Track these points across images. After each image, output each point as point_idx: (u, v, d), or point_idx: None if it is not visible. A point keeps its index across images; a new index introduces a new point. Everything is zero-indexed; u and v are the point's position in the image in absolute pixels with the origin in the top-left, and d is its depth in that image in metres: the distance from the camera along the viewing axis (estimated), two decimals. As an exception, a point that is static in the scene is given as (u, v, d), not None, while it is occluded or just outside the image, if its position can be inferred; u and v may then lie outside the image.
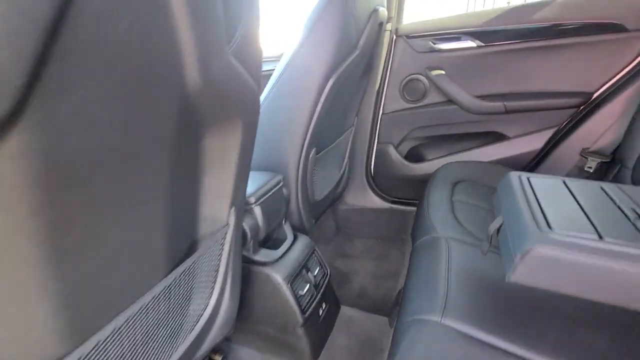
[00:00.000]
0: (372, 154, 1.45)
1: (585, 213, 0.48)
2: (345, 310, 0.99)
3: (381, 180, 1.47)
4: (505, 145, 1.23)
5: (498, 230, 0.57)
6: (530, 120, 1.18)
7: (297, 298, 0.74)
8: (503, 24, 1.13)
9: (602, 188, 0.56)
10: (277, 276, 0.72)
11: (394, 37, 1.26)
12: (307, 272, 0.80)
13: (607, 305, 0.42)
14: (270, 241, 0.83)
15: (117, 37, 0.21)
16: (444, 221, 0.83)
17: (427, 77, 1.26)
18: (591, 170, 1.06)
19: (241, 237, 0.59)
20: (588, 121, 1.09)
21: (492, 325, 0.50)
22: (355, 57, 0.83)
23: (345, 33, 0.74)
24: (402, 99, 1.33)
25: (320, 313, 0.82)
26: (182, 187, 0.44)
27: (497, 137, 1.25)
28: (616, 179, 0.96)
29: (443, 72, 1.23)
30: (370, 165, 1.47)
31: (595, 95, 1.09)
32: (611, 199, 0.52)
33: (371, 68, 1.14)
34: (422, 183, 1.26)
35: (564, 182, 0.58)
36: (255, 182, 0.74)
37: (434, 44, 1.22)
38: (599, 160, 1.05)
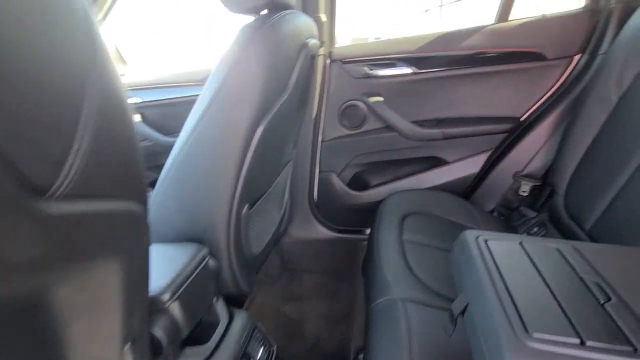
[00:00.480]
0: (314, 184, 1.35)
1: (554, 295, 0.44)
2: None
3: (326, 209, 1.39)
4: (446, 170, 1.23)
5: (463, 309, 0.50)
6: (466, 144, 1.19)
7: (238, 400, 0.60)
8: (435, 51, 1.12)
9: (559, 252, 0.53)
10: (209, 382, 0.58)
11: (328, 61, 1.18)
12: (249, 360, 0.66)
13: None
14: (199, 327, 0.68)
15: None
16: (398, 277, 0.76)
17: (365, 104, 1.20)
18: (525, 194, 1.10)
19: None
20: (518, 145, 1.12)
21: None
22: (287, 98, 0.72)
23: (270, 76, 0.62)
24: (342, 126, 1.26)
25: (269, 403, 0.69)
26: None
27: (437, 162, 1.24)
28: (549, 204, 0.98)
29: (381, 98, 1.18)
30: (314, 195, 1.37)
31: (522, 119, 1.13)
32: (573, 269, 0.49)
33: (307, 98, 1.04)
34: (368, 211, 1.21)
35: (522, 245, 0.54)
36: (171, 266, 0.58)
37: (370, 69, 1.16)
38: (531, 183, 1.09)
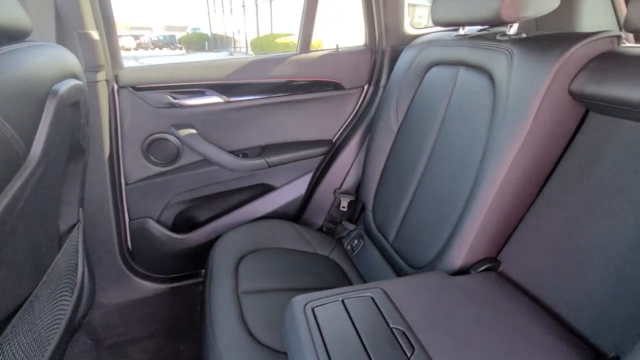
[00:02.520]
0: (126, 236, 1.09)
1: (369, 356, 0.47)
2: None
3: (148, 261, 1.15)
4: (275, 196, 1.22)
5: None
6: (291, 168, 1.21)
7: None
8: (245, 78, 1.06)
9: (373, 300, 0.57)
10: None
11: (115, 87, 0.93)
12: None
13: None
14: None
15: None
16: (233, 344, 0.68)
17: (176, 136, 1.03)
18: (345, 209, 1.21)
19: None
20: (334, 165, 1.22)
21: None
22: (31, 172, 0.49)
23: None
24: (150, 164, 1.04)
25: None
26: None
27: (266, 189, 1.22)
28: (363, 217, 1.11)
29: (194, 130, 1.04)
30: (127, 248, 1.10)
31: (334, 141, 1.24)
32: (385, 319, 0.53)
33: (84, 144, 0.79)
34: (202, 252, 1.07)
35: (344, 304, 0.56)
36: None
37: (175, 98, 0.99)
38: (348, 199, 1.21)
